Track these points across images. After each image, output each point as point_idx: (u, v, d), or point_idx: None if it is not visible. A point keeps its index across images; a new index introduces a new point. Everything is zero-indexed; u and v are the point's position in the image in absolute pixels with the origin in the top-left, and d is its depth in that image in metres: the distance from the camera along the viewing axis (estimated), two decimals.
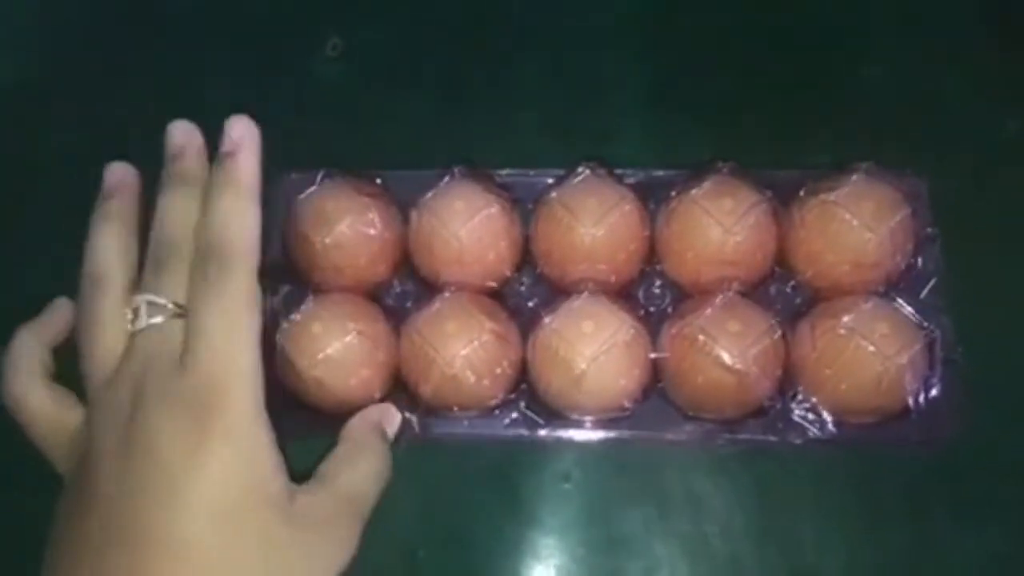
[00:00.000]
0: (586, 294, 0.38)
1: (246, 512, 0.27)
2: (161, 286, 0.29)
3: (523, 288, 0.41)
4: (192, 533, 0.26)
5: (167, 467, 0.27)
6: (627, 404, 0.37)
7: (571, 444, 0.40)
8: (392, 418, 0.36)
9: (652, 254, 0.39)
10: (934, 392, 0.36)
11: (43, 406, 0.31)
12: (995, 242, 0.40)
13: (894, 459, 0.38)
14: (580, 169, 0.39)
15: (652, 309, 0.40)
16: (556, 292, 0.40)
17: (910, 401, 0.36)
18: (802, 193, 0.39)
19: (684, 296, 0.39)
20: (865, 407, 0.36)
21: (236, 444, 0.27)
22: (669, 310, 0.40)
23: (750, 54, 0.46)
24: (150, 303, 0.29)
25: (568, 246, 0.38)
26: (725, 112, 0.44)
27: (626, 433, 0.38)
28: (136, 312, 0.29)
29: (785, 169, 0.40)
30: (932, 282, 0.38)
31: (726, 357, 0.36)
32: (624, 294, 0.40)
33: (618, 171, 0.40)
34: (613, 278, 0.39)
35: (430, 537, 0.40)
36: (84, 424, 0.30)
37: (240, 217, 0.29)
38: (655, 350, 0.38)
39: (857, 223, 0.36)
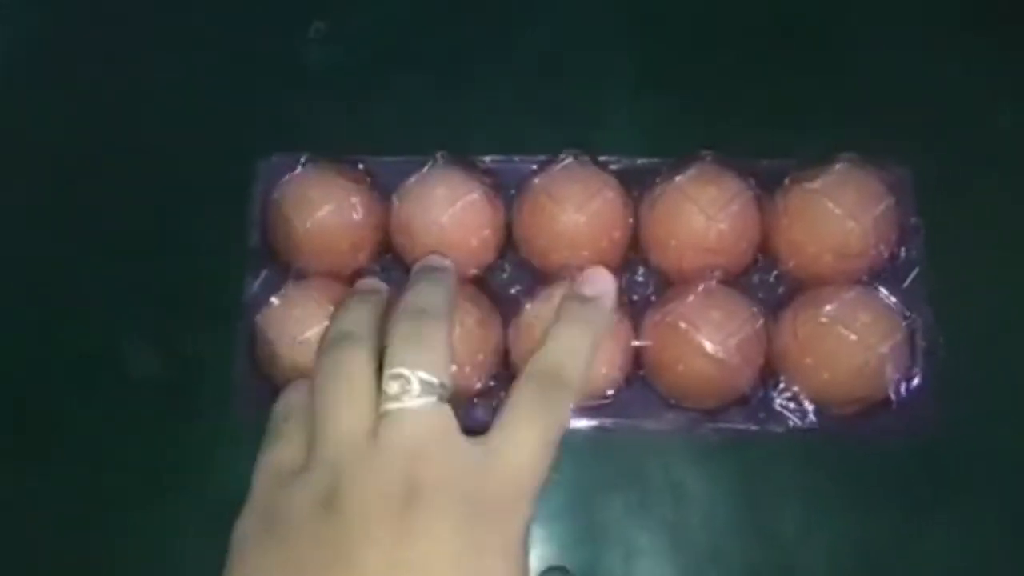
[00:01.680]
0: (568, 281, 0.38)
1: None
2: (426, 363, 0.26)
3: (505, 275, 0.41)
4: None
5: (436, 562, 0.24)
6: (609, 392, 0.38)
7: None
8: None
9: (635, 242, 0.40)
10: (915, 381, 0.37)
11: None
12: (978, 233, 0.41)
13: (876, 448, 0.39)
14: (563, 155, 0.39)
15: (635, 297, 0.40)
16: (539, 279, 0.40)
17: (891, 390, 0.36)
18: (786, 182, 0.39)
19: (667, 284, 0.39)
20: (847, 396, 0.37)
21: (511, 561, 0.25)
22: (652, 298, 0.40)
23: (737, 43, 0.46)
24: (423, 380, 0.26)
25: (551, 233, 0.38)
26: (711, 100, 0.45)
27: (608, 421, 0.38)
28: (403, 384, 0.26)
29: (770, 158, 0.40)
30: (915, 272, 0.39)
31: (708, 346, 0.36)
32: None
33: (602, 158, 0.40)
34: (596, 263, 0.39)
35: None
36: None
37: (585, 353, 0.29)
38: (637, 338, 0.38)
39: (840, 213, 0.37)
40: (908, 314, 0.37)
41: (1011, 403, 0.39)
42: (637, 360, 0.38)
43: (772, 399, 0.38)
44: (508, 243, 0.40)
